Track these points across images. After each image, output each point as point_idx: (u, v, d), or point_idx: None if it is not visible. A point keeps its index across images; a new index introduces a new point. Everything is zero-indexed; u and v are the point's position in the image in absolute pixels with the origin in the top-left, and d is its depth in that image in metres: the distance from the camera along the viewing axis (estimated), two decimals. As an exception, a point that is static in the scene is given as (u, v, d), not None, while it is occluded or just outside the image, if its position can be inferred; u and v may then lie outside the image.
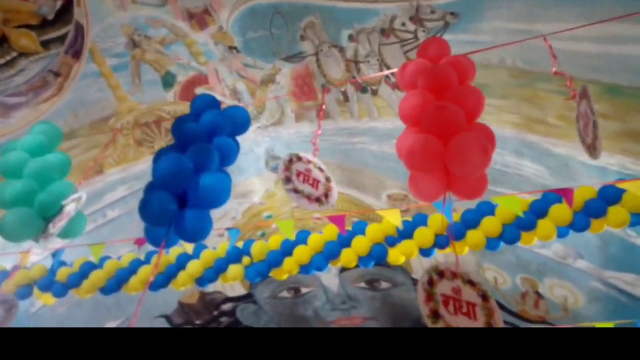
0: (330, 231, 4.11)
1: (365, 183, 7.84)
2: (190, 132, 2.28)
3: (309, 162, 2.90)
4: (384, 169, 7.57)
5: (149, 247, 5.20)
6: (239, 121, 2.54)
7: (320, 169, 2.95)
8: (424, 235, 3.86)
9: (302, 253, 4.05)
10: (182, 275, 4.29)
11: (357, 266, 9.05)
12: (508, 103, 5.59)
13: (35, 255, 6.54)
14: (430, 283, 1.91)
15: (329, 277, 9.34)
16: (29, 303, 7.57)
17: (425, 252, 3.91)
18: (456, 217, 3.88)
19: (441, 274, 1.96)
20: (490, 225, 3.74)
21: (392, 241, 3.97)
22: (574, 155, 5.67)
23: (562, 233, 3.69)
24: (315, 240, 4.08)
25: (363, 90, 6.63)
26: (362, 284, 9.25)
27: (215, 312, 9.55)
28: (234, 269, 4.19)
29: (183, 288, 4.27)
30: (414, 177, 2.16)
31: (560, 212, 3.62)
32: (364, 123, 7.01)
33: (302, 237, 4.16)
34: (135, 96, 6.93)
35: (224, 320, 9.65)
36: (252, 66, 6.65)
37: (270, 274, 4.20)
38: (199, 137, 2.27)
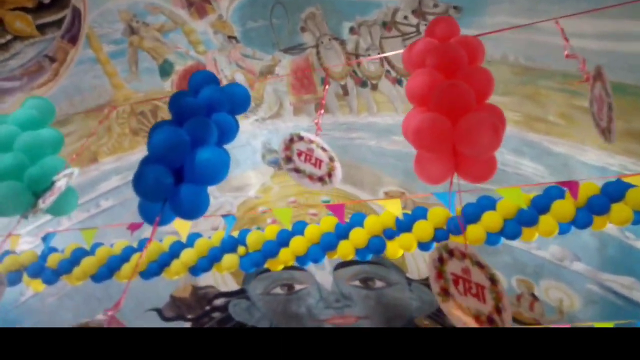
0: (328, 222, 4.04)
1: (363, 179, 7.77)
2: (188, 106, 2.19)
3: (311, 141, 2.82)
4: (382, 166, 7.51)
5: (142, 234, 5.11)
6: (238, 99, 2.45)
7: (324, 149, 2.88)
8: (423, 228, 3.79)
9: (298, 244, 3.97)
10: (175, 264, 4.20)
11: (353, 263, 9.00)
12: (509, 100, 5.54)
13: (27, 244, 6.44)
14: (441, 260, 1.84)
15: (324, 275, 9.27)
16: (19, 292, 7.44)
17: (424, 246, 3.84)
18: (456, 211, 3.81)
19: (451, 252, 1.89)
20: (491, 219, 3.67)
21: (390, 234, 3.90)
22: (574, 155, 5.63)
23: (563, 229, 3.63)
24: (312, 231, 4.00)
25: (363, 84, 6.57)
26: (357, 282, 9.17)
27: (208, 307, 9.45)
28: (229, 259, 4.10)
29: (176, 277, 4.18)
30: (420, 158, 2.09)
31: (563, 207, 3.56)
32: (363, 118, 6.95)
33: (299, 228, 4.08)
34: (131, 84, 6.83)
35: (216, 315, 9.55)
36: (251, 57, 6.57)
37: (266, 265, 4.11)
38: (197, 112, 2.19)
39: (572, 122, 5.36)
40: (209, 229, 7.73)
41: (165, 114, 7.03)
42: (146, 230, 6.01)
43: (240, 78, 6.77)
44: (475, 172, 2.02)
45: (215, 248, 4.17)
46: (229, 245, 4.13)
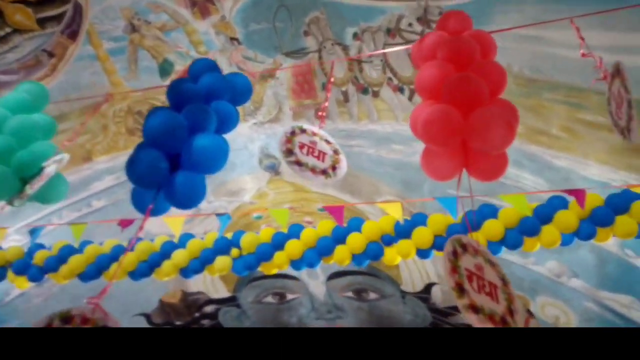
0: (325, 226, 3.93)
1: (360, 188, 7.68)
2: (186, 92, 2.10)
3: (314, 134, 2.72)
4: (380, 175, 7.43)
5: (132, 233, 4.98)
6: (239, 88, 2.36)
7: (327, 141, 2.77)
8: (422, 235, 3.69)
9: (294, 247, 3.86)
10: (166, 265, 4.08)
11: (347, 273, 8.87)
12: (512, 112, 5.48)
13: (14, 242, 6.29)
14: (455, 254, 1.74)
15: (316, 285, 9.13)
16: (4, 292, 7.28)
17: (422, 253, 3.74)
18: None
19: (464, 247, 1.80)
20: (493, 228, 3.58)
21: (388, 240, 3.79)
22: (575, 169, 5.57)
23: (566, 240, 3.54)
24: (309, 235, 3.89)
25: (364, 91, 6.51)
26: (350, 294, 9.04)
27: (197, 314, 9.27)
28: (221, 261, 3.98)
29: (167, 278, 4.05)
30: (429, 153, 2.00)
31: (566, 218, 3.48)
32: (362, 125, 6.88)
33: (295, 231, 3.98)
34: (130, 82, 6.74)
35: (206, 322, 9.38)
36: (253, 59, 6.50)
37: (260, 268, 4.00)
38: (196, 99, 2.09)
39: (575, 135, 5.30)
40: (202, 233, 7.61)
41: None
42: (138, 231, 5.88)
43: (240, 81, 6.70)
44: (485, 169, 1.93)
45: (207, 249, 4.05)
46: (222, 246, 4.01)
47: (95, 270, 4.30)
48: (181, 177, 1.91)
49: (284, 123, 7.13)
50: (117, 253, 4.26)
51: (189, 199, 1.97)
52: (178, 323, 9.10)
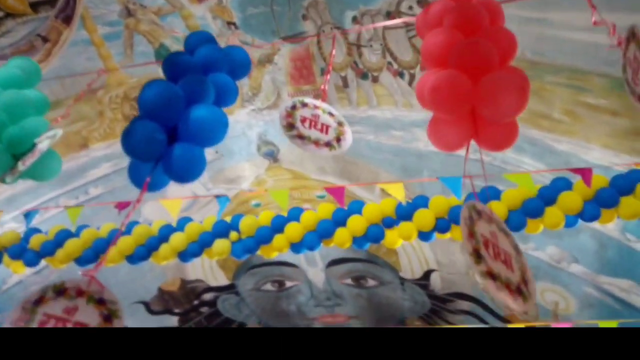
0: (325, 209, 3.88)
1: (359, 175, 7.62)
2: (183, 64, 2.03)
3: (316, 107, 2.65)
4: (379, 161, 7.37)
5: (130, 218, 4.93)
6: (237, 61, 2.29)
7: (331, 114, 2.70)
8: (424, 217, 3.64)
9: (293, 230, 3.81)
10: (164, 248, 4.02)
11: (346, 260, 8.83)
12: (513, 96, 5.41)
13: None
14: (471, 220, 1.70)
15: (316, 272, 9.11)
16: (1, 280, 7.23)
17: (424, 235, 3.69)
18: (459, 201, 3.67)
19: (479, 213, 1.75)
20: (496, 210, 3.52)
21: (390, 222, 3.75)
22: (577, 153, 5.51)
23: (570, 222, 3.50)
24: (309, 218, 3.84)
25: (364, 76, 6.43)
26: (349, 281, 9.02)
27: (196, 302, 9.25)
28: (220, 244, 3.93)
29: (165, 262, 4.00)
30: (436, 122, 1.93)
31: (570, 199, 3.44)
32: (362, 111, 6.80)
33: (295, 214, 3.92)
34: (126, 68, 6.65)
35: (204, 310, 9.36)
36: (250, 44, 6.40)
37: (259, 252, 3.95)
38: (193, 71, 2.02)
39: (578, 119, 5.24)
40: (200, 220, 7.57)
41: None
42: (136, 217, 5.83)
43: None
44: (495, 138, 1.88)
45: (206, 233, 4.00)
46: (221, 229, 3.96)
47: (92, 254, 4.25)
48: (179, 149, 1.85)
49: (283, 109, 7.06)
50: (114, 237, 4.20)
51: (188, 172, 1.91)
52: (177, 311, 9.08)
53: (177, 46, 6.57)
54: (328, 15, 5.98)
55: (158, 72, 6.72)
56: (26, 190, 6.42)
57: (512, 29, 5.09)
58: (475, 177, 2.95)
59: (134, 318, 8.39)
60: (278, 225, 3.88)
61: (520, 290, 1.59)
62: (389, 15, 5.74)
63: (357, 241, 3.78)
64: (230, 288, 9.17)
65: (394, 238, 3.72)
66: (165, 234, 4.07)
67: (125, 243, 4.01)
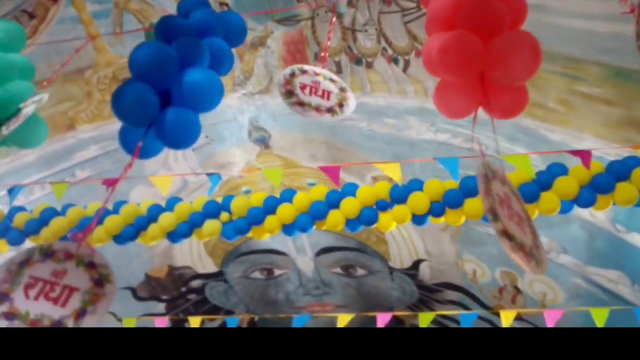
0: (318, 191, 3.82)
1: (351, 163, 7.57)
2: (176, 26, 1.94)
3: (316, 74, 2.58)
4: (371, 150, 7.31)
5: (117, 197, 4.82)
6: (233, 26, 2.21)
7: (332, 80, 2.63)
8: (418, 200, 3.60)
9: (286, 211, 3.74)
10: (153, 228, 3.93)
11: (336, 249, 8.77)
12: (508, 84, 5.38)
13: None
14: (486, 177, 1.65)
15: (305, 261, 9.07)
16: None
17: (418, 219, 3.65)
18: (454, 184, 3.63)
19: (494, 173, 1.71)
20: (491, 194, 3.50)
21: (383, 205, 3.70)
22: (570, 143, 5.50)
23: (565, 208, 3.48)
24: (302, 199, 3.78)
25: (358, 61, 6.35)
26: (338, 270, 8.99)
27: (184, 289, 9.17)
28: (211, 225, 3.85)
29: (153, 242, 3.91)
30: (443, 87, 1.87)
31: (567, 184, 3.41)
32: (355, 98, 6.73)
33: (288, 196, 3.86)
34: (115, 48, 6.49)
35: (192, 297, 9.28)
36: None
37: (250, 233, 3.88)
38: (187, 34, 1.93)
39: (572, 108, 5.22)
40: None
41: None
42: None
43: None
44: (504, 105, 1.82)
45: (196, 213, 3.91)
46: (212, 210, 3.88)
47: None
48: (172, 114, 1.77)
49: (275, 94, 6.95)
50: (101, 217, 4.10)
51: (182, 137, 1.83)
52: (164, 297, 8.98)
53: (168, 27, 6.45)
54: (323, -3, 5.89)
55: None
56: (11, 171, 6.27)
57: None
58: (474, 158, 2.91)
59: (120, 304, 8.27)
60: (270, 207, 3.82)
61: (532, 253, 1.55)
62: (385, 0, 5.67)
63: (350, 223, 3.73)
64: (218, 275, 9.10)
65: (387, 221, 3.68)
66: (154, 213, 3.98)
67: (113, 222, 3.91)
